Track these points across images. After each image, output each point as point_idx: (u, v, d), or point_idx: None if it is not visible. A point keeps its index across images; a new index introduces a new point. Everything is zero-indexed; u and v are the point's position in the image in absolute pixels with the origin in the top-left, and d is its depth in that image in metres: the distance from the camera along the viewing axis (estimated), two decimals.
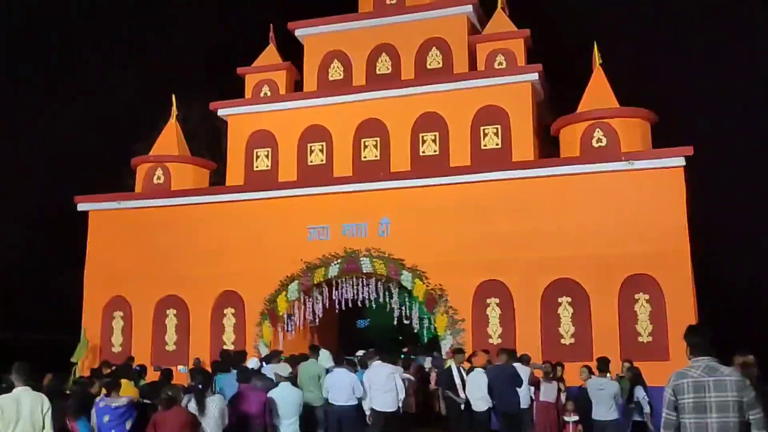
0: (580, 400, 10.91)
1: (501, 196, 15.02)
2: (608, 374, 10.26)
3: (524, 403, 11.16)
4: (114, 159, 18.75)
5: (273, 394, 8.03)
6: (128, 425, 7.03)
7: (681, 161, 14.14)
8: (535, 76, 15.85)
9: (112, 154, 19.22)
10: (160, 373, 9.92)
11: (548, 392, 10.75)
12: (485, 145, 16.04)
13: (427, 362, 16.65)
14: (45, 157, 20.83)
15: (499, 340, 14.62)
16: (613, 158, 14.55)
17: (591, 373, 10.67)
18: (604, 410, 9.80)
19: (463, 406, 11.88)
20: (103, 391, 7.41)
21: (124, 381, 8.59)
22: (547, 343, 14.29)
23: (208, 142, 23.62)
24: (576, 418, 10.65)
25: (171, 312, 16.51)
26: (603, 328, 14.11)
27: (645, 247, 14.03)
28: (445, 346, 14.91)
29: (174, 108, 18.04)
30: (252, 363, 11.10)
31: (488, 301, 14.94)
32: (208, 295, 16.24)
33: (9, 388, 7.06)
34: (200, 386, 7.29)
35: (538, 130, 16.37)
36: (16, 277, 20.21)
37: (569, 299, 14.52)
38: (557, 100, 17.51)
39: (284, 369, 8.78)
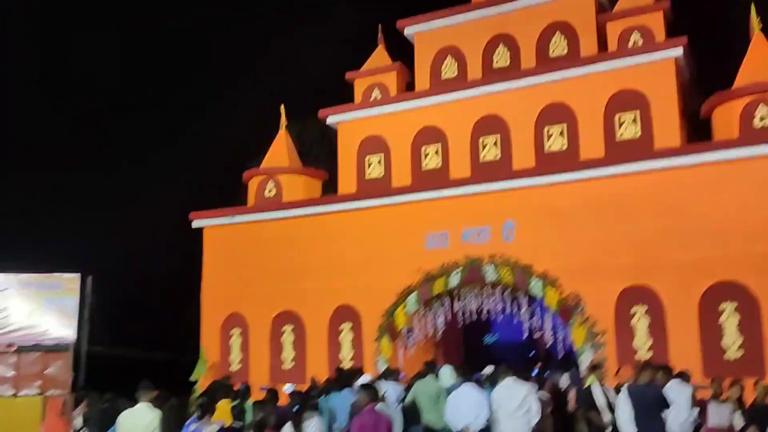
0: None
1: (643, 191, 13.16)
2: None
3: (686, 430, 9.30)
4: (232, 175, 18.45)
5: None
6: None
7: None
8: (678, 51, 13.86)
9: (229, 170, 18.95)
10: (266, 393, 9.01)
11: (719, 416, 8.80)
12: (621, 135, 14.22)
13: (564, 380, 14.98)
14: (169, 175, 20.99)
15: (649, 354, 12.70)
16: None
17: None
18: None
19: (609, 431, 10.19)
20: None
21: (223, 402, 7.69)
22: (708, 358, 12.21)
23: (325, 158, 23.05)
24: None
25: (287, 328, 15.81)
26: None
27: None
28: (584, 361, 13.17)
29: (283, 118, 17.53)
30: (364, 380, 9.94)
31: (633, 310, 13.06)
32: (324, 310, 15.41)
33: (113, 404, 8.14)
34: (296, 409, 6.23)
35: (684, 113, 14.34)
36: (145, 295, 20.42)
37: (734, 305, 12.37)
38: (706, 78, 15.36)
39: (367, 379, 7.61)
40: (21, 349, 14.84)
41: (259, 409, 6.03)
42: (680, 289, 12.64)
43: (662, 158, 13.18)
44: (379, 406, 8.73)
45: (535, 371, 15.01)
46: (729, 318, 12.40)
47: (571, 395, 13.72)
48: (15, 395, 14.56)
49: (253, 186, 17.21)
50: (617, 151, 13.94)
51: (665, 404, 8.49)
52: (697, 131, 14.54)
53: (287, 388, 9.79)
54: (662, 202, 12.98)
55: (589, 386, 10.56)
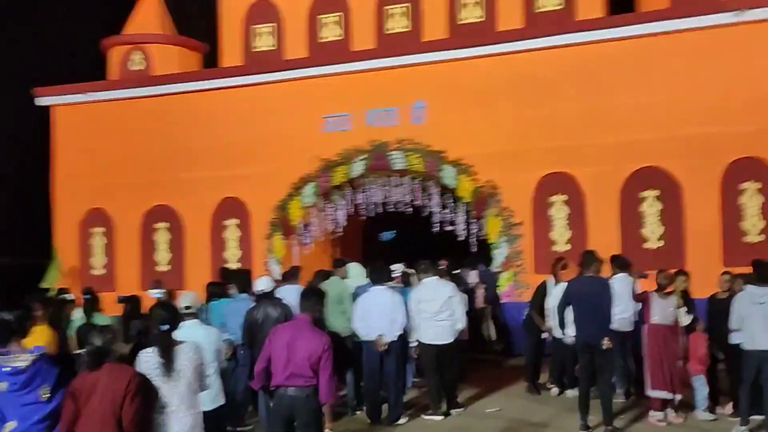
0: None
1: (565, 67, 11.91)
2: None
3: (627, 325, 8.23)
4: (88, 47, 15.30)
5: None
6: (44, 393, 4.17)
7: None
8: None
9: (84, 41, 15.66)
10: (124, 306, 7.04)
11: (663, 311, 7.79)
12: (542, 6, 12.64)
13: (472, 276, 13.99)
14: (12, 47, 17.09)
15: (567, 247, 11.76)
16: (714, 9, 11.19)
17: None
18: (760, 334, 6.90)
19: (546, 336, 9.11)
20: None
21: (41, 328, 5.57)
22: (629, 249, 11.28)
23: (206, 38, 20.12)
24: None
25: (162, 226, 13.71)
26: (700, 227, 11.19)
27: (755, 124, 10.94)
28: (499, 255, 12.09)
29: None
30: (262, 284, 8.10)
31: (552, 199, 12.00)
32: (205, 204, 13.42)
33: None
34: (164, 327, 4.39)
35: None
36: None
37: (656, 193, 11.53)
38: None
39: (190, 299, 5.63)
40: None
41: (98, 335, 4.09)
42: (601, 176, 11.68)
43: (584, 30, 11.86)
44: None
45: (442, 267, 13.93)
46: (651, 206, 11.58)
47: (479, 293, 12.77)
48: None
49: (114, 57, 14.46)
50: (537, 22, 12.43)
51: (610, 300, 7.32)
52: (623, 2, 13.18)
53: (154, 292, 7.81)
54: (585, 80, 11.85)
55: (543, 283, 9.26)
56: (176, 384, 4.35)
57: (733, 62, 11.08)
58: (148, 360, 4.34)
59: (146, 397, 4.11)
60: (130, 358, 4.56)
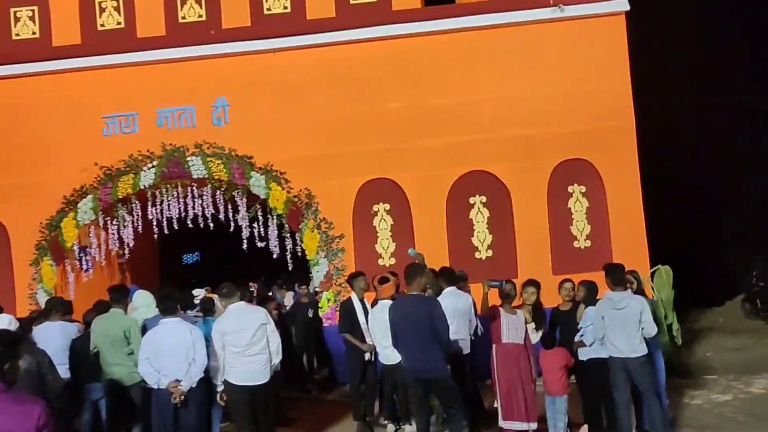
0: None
1: (383, 63, 10.97)
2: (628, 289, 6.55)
3: (464, 347, 7.12)
4: None
5: None
6: None
7: (623, 4, 10.64)
8: None
9: None
10: None
11: (512, 328, 6.73)
12: None
13: (288, 298, 12.65)
14: None
15: (392, 261, 10.65)
16: (533, 3, 10.74)
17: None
18: (623, 341, 6.11)
19: (368, 357, 7.77)
20: None
21: None
22: (458, 259, 10.37)
23: None
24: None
25: None
26: (529, 233, 10.59)
27: (579, 125, 10.68)
28: (319, 273, 10.68)
29: None
30: (3, 322, 6.24)
31: (375, 208, 10.88)
32: None
33: None
34: None
35: None
36: None
37: (483, 198, 10.81)
38: None
39: None
40: None
41: None
42: (426, 181, 10.78)
43: (400, 22, 10.88)
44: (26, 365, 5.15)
45: (252, 290, 12.38)
46: (479, 213, 10.83)
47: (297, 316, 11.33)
48: None
49: None
50: (350, 12, 11.30)
51: (444, 322, 6.09)
52: None
53: None
54: (406, 77, 10.96)
55: (348, 300, 7.92)
56: None
57: (555, 60, 10.71)
58: None
59: None
60: None
